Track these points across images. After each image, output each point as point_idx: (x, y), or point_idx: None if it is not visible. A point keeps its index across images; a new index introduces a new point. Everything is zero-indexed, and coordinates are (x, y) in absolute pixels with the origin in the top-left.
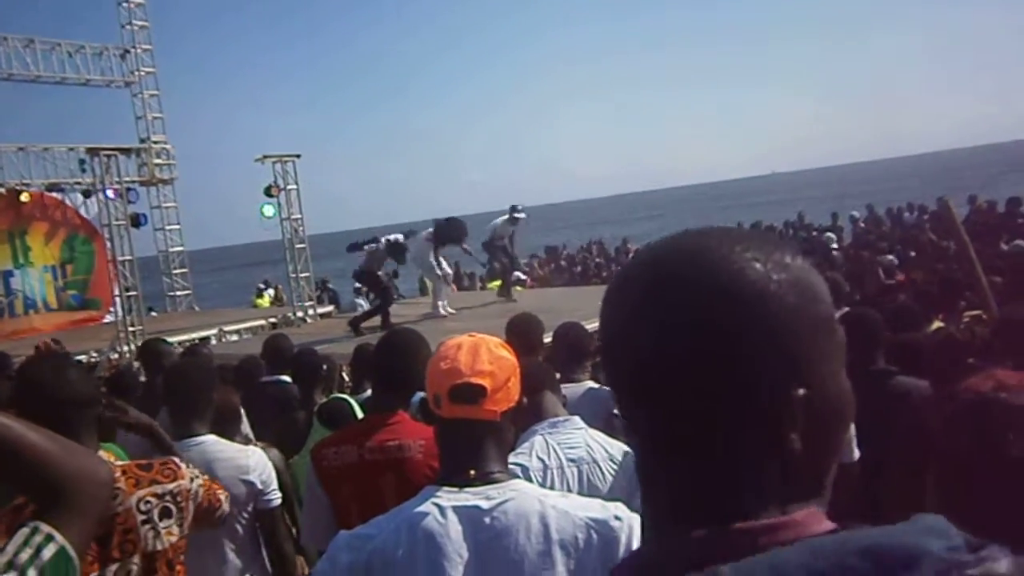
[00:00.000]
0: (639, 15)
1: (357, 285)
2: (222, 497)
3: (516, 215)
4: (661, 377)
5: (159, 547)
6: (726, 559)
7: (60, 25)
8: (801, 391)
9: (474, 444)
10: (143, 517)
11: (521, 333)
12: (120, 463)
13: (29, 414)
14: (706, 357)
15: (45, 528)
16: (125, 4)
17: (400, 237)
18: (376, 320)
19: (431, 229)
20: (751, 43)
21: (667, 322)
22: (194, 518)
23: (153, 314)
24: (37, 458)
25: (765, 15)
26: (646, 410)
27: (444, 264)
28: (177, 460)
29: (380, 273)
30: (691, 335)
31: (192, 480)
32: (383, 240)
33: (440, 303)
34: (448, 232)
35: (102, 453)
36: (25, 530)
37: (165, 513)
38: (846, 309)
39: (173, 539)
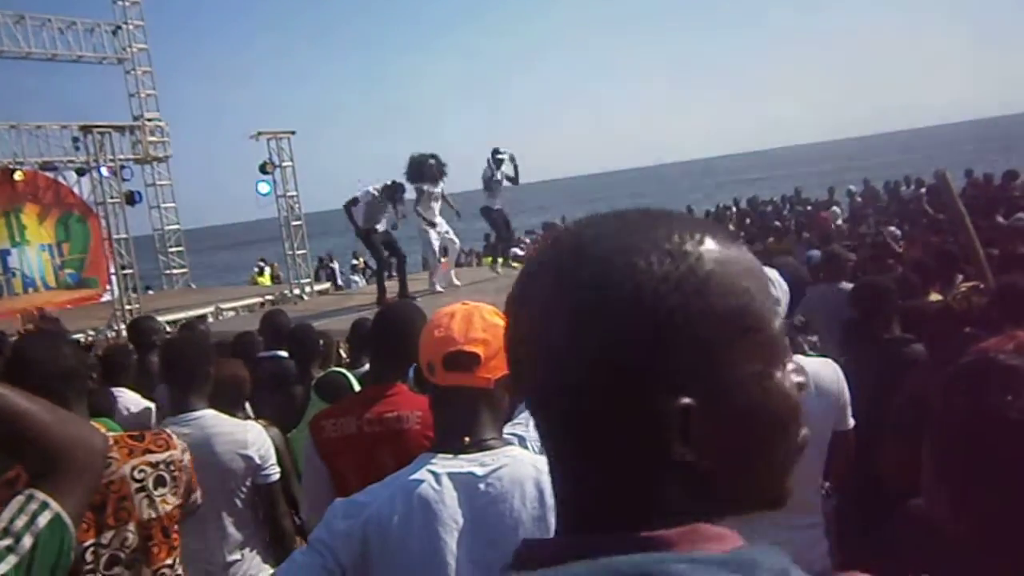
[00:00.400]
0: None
1: (354, 262)
2: (198, 492)
3: (499, 156)
4: (546, 375)
5: (154, 515)
6: (549, 564)
7: (51, 1)
8: (684, 401)
9: (469, 411)
10: (138, 485)
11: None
12: (112, 434)
13: (22, 387)
14: (581, 358)
15: (40, 495)
16: None
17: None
18: (387, 293)
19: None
20: (745, 17)
21: (549, 318)
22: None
23: (150, 292)
24: (32, 426)
25: None
26: (541, 410)
27: (435, 230)
28: (169, 431)
29: (380, 228)
30: (568, 334)
31: (183, 452)
32: (375, 189)
33: (435, 276)
34: (420, 164)
35: (93, 423)
36: (20, 498)
37: (160, 481)
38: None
39: (168, 507)
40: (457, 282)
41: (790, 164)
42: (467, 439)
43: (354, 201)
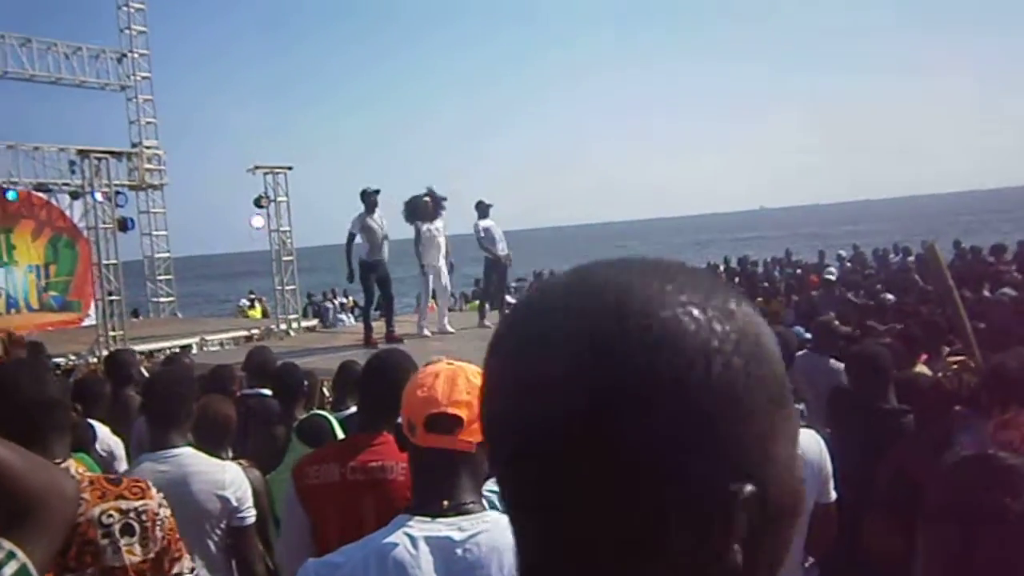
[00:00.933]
0: (621, 40)
1: (343, 300)
2: (185, 562)
3: (485, 205)
4: (553, 444)
5: (117, 563)
6: None
7: (58, 26)
8: (748, 488)
9: (448, 474)
10: (104, 531)
11: None
12: (89, 474)
13: (2, 415)
14: (605, 439)
15: (7, 544)
16: (125, 8)
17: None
18: (372, 332)
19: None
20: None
21: (572, 379)
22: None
23: (135, 319)
24: (5, 474)
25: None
26: (540, 480)
27: (430, 272)
28: (148, 482)
29: (378, 259)
30: (591, 406)
31: (160, 506)
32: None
33: (423, 319)
34: (415, 204)
35: (72, 462)
36: None
37: (127, 530)
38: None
39: (135, 559)
40: (451, 329)
41: (786, 225)
42: (446, 503)
43: (351, 238)
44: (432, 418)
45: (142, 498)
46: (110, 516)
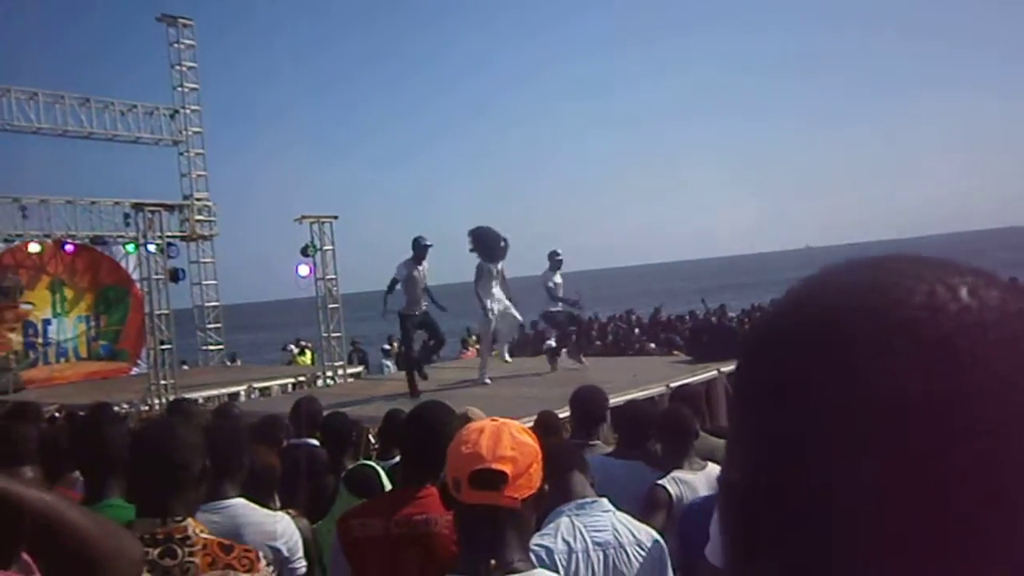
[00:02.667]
0: (637, 90)
1: (386, 347)
2: None
3: (557, 259)
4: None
5: None
6: None
7: (113, 84)
8: None
9: (494, 532)
10: None
11: (583, 406)
12: (206, 536)
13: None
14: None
15: None
16: (178, 67)
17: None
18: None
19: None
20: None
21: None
22: None
23: (185, 367)
24: (76, 536)
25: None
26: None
27: (496, 302)
28: (260, 554)
29: (419, 311)
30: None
31: None
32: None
33: (484, 366)
34: (488, 240)
35: (191, 521)
36: None
37: None
38: None
39: None
40: (508, 358)
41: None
42: (493, 562)
43: (393, 283)
44: (477, 474)
45: (251, 571)
46: None
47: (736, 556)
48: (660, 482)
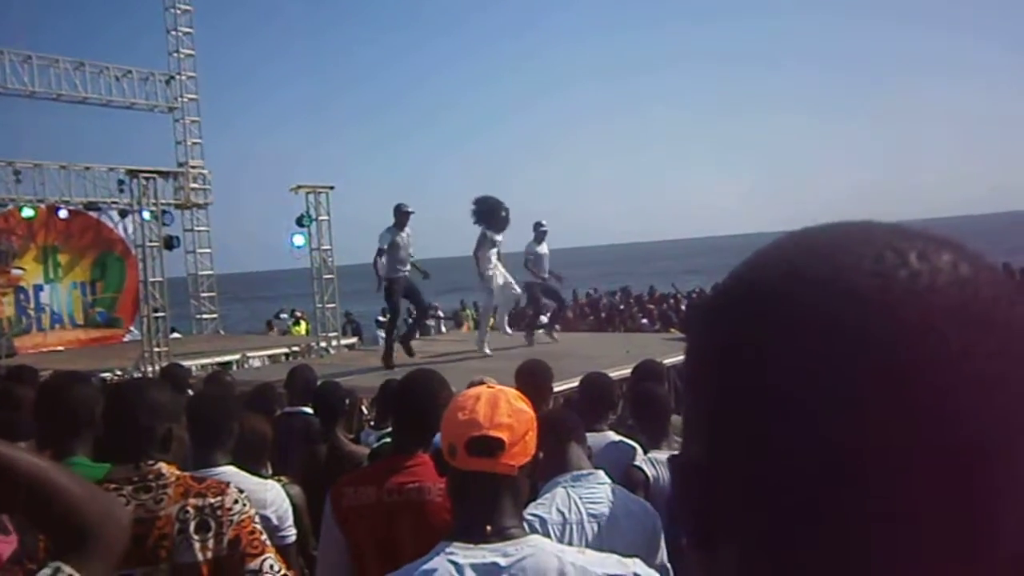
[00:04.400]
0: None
1: (381, 318)
2: (264, 560)
3: (542, 229)
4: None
5: (189, 560)
6: None
7: (109, 49)
8: None
9: (490, 498)
10: (179, 526)
11: (530, 380)
12: (177, 472)
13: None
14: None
15: (67, 569)
16: (173, 32)
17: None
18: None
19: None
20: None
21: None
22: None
23: (177, 335)
24: (65, 501)
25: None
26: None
27: (499, 273)
28: (231, 484)
29: (402, 274)
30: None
31: (236, 502)
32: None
33: (482, 337)
34: (492, 208)
35: (163, 464)
36: (47, 570)
37: (201, 526)
38: None
39: (209, 555)
40: (508, 330)
41: None
42: (489, 527)
43: (379, 253)
44: (474, 440)
45: (219, 495)
46: (186, 512)
47: (697, 543)
48: (636, 463)
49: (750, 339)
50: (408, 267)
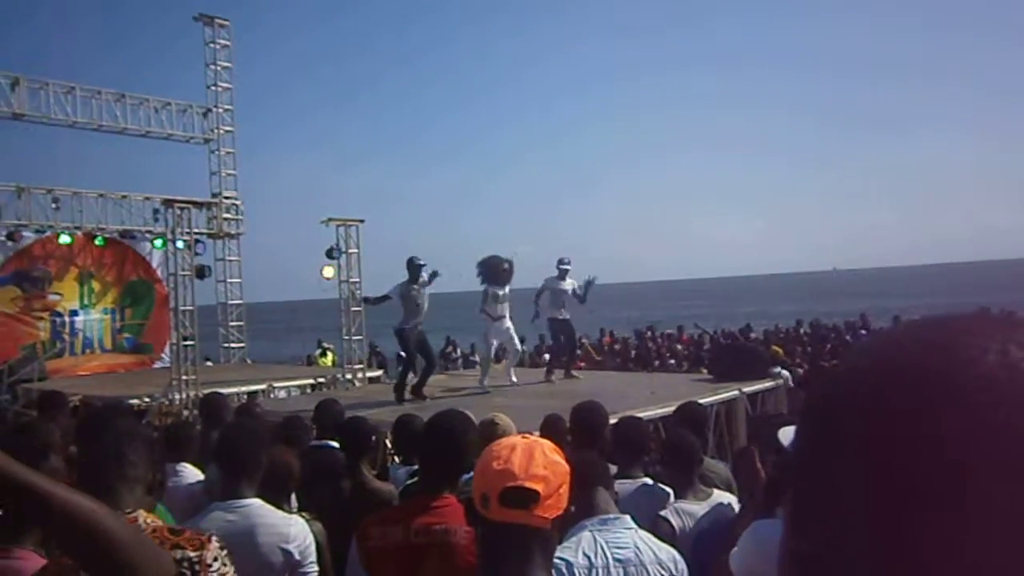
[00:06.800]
0: (682, 111)
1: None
2: None
3: (563, 267)
4: None
5: None
6: None
7: (147, 81)
8: None
9: (520, 551)
10: None
11: (587, 418)
12: (155, 523)
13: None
14: None
15: None
16: (212, 66)
17: (418, 260)
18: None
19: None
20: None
21: None
22: None
23: (208, 364)
24: (115, 546)
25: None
26: None
27: (496, 327)
28: (213, 536)
29: (416, 327)
30: None
31: (216, 560)
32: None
33: (484, 374)
34: (491, 268)
35: (141, 512)
36: None
37: None
38: None
39: None
40: (515, 379)
41: (855, 284)
42: None
43: (383, 298)
44: (508, 492)
45: (200, 549)
46: None
47: None
48: (662, 513)
49: (882, 437)
50: (422, 320)
